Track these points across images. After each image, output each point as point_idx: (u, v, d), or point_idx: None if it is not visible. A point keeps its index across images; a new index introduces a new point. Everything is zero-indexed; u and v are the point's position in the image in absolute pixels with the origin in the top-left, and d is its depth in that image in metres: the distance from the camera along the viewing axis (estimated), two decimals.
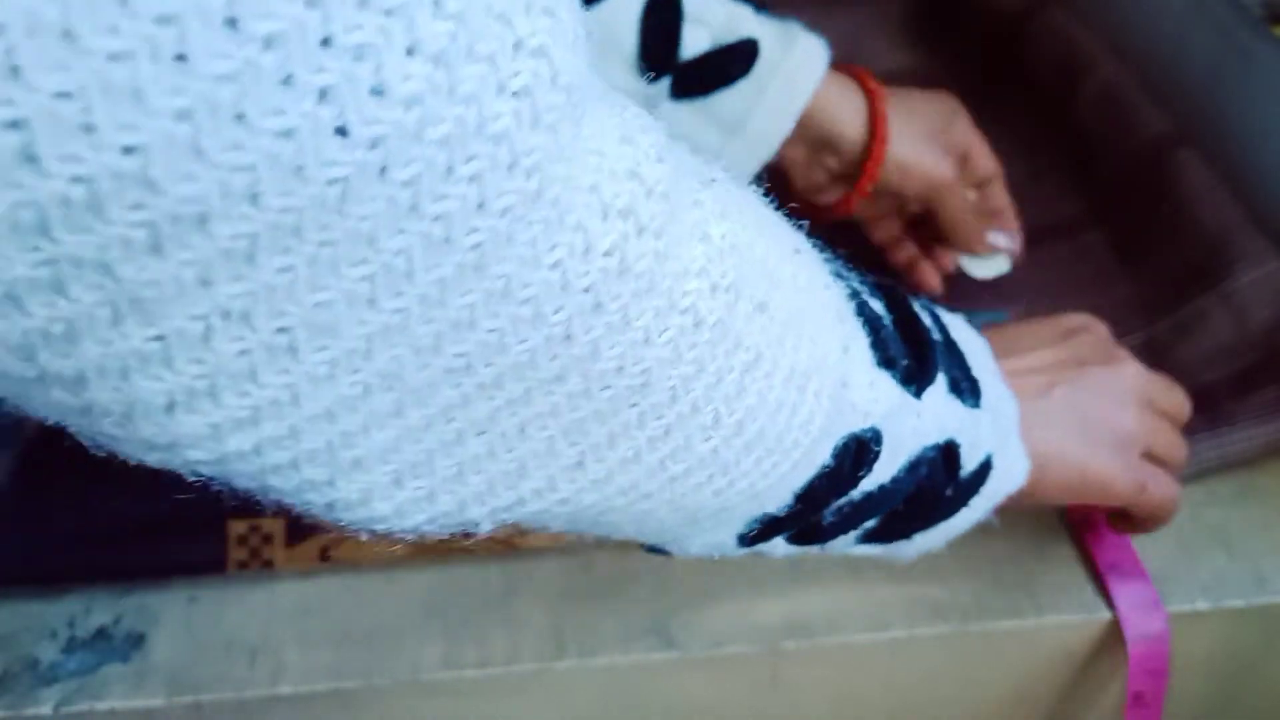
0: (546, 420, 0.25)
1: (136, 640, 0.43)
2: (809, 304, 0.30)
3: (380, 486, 0.24)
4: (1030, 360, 0.41)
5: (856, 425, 0.32)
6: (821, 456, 0.31)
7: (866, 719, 0.47)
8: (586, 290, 0.23)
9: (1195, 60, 0.64)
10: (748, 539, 0.34)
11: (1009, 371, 0.40)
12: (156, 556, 0.45)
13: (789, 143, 0.53)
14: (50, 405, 0.21)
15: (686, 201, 0.26)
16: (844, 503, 0.34)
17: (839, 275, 0.33)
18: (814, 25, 0.77)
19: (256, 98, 0.17)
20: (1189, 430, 0.49)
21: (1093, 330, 0.44)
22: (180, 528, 0.46)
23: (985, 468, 0.37)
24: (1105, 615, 0.44)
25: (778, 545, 0.35)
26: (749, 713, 0.45)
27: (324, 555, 0.46)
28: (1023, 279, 0.60)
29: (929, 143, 0.55)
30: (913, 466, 0.35)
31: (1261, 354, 0.53)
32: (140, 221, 0.18)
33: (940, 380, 0.35)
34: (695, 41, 0.51)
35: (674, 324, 0.25)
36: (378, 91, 0.18)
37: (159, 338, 0.19)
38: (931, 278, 0.59)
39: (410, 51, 0.19)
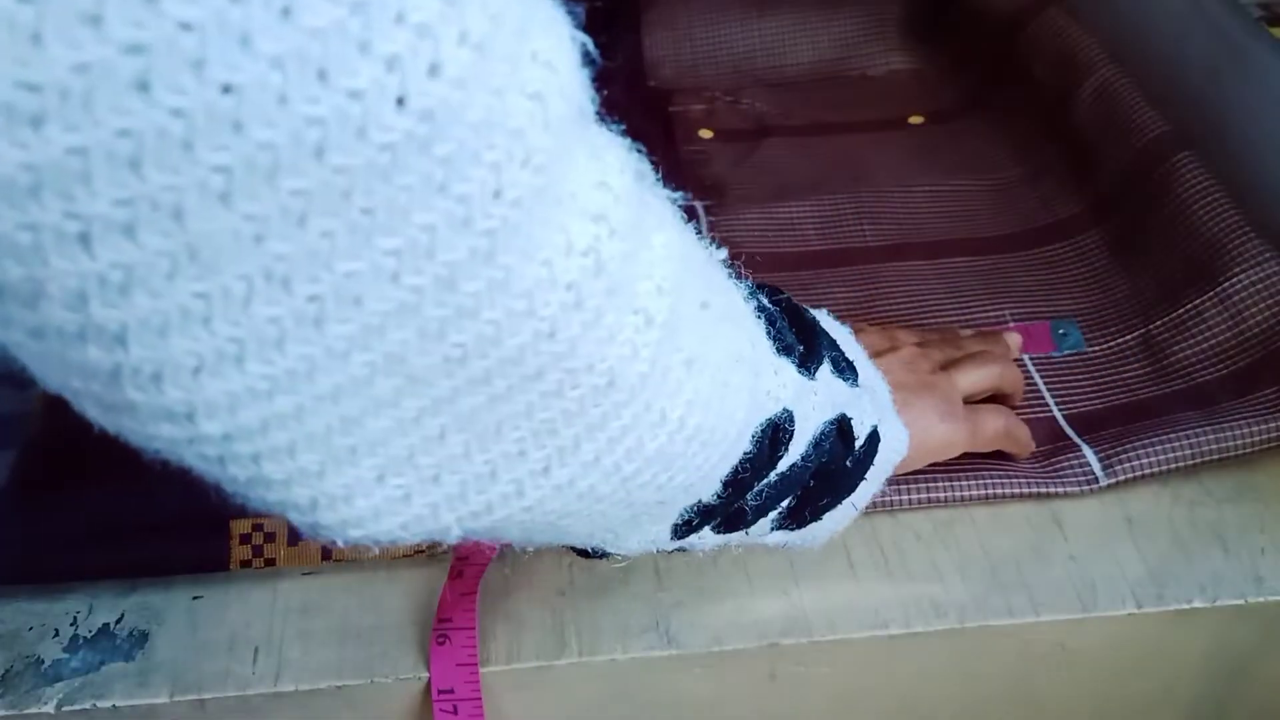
0: (520, 420, 0.27)
1: (139, 638, 0.43)
2: (728, 303, 0.33)
3: (364, 482, 0.25)
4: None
5: (771, 411, 0.35)
6: (744, 444, 0.34)
7: (865, 716, 0.47)
8: (568, 287, 0.25)
9: (1193, 62, 0.65)
10: (681, 529, 0.36)
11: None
12: (159, 556, 0.46)
13: None
14: (74, 367, 0.21)
15: (641, 211, 0.27)
16: (764, 485, 0.36)
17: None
18: (814, 26, 0.78)
19: (338, 57, 0.19)
20: (1187, 423, 0.49)
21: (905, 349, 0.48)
22: (183, 527, 0.46)
23: (874, 438, 0.41)
24: (1101, 613, 0.45)
25: (706, 535, 0.38)
26: (748, 709, 0.46)
27: (326, 554, 0.46)
28: (1022, 279, 0.61)
29: None
30: (817, 443, 0.38)
31: (1259, 356, 0.53)
32: (220, 166, 0.19)
33: (826, 361, 0.39)
34: None
35: (629, 322, 0.27)
36: (434, 69, 0.20)
37: (204, 295, 0.20)
38: None
39: (461, 38, 0.20)
